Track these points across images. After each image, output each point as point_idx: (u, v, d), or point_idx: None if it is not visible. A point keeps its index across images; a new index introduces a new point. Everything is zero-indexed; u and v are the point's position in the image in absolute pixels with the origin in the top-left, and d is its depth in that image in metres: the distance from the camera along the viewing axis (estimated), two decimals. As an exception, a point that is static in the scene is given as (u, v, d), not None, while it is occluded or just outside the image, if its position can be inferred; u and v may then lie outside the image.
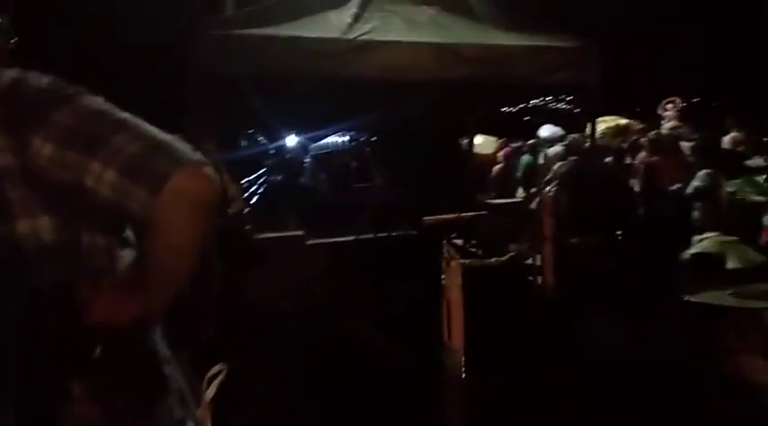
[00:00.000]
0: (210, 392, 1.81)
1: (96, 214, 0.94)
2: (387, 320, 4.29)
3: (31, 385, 0.87)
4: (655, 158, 5.78)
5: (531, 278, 3.21)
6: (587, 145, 5.76)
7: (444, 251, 2.09)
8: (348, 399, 3.02)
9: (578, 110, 7.27)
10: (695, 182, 4.63)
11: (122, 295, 0.95)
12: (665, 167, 5.48)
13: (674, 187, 5.12)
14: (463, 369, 2.08)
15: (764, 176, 4.94)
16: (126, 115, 0.96)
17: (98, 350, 0.90)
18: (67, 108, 0.91)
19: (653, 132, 6.58)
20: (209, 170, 0.95)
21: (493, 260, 2.75)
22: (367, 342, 3.85)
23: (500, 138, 9.08)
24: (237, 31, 4.10)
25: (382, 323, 4.34)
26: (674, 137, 6.18)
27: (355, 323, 4.59)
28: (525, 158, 7.62)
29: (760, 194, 4.69)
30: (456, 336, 2.04)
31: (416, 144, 6.96)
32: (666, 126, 7.57)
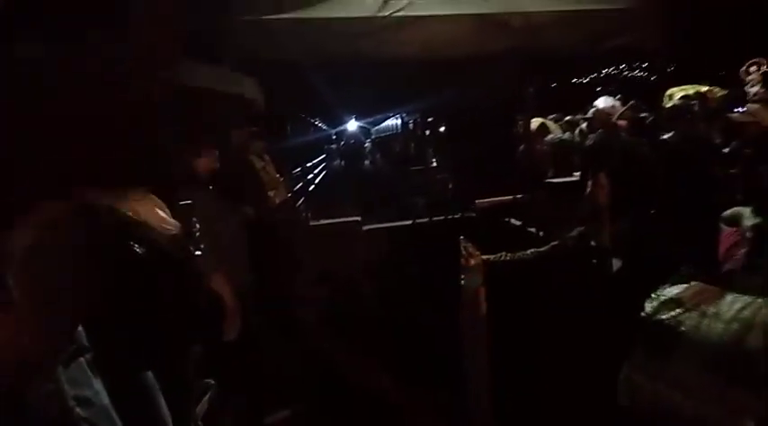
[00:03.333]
0: (201, 408, 1.70)
1: None
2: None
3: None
4: None
5: (582, 268, 2.92)
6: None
7: (462, 246, 1.85)
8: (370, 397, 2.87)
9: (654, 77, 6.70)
10: None
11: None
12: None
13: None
14: (489, 379, 1.86)
15: None
16: None
17: None
18: None
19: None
20: None
21: (530, 252, 2.47)
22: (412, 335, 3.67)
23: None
24: (268, 16, 3.96)
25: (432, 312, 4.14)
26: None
27: (406, 311, 4.43)
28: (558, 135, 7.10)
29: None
30: (479, 346, 1.81)
31: (471, 124, 6.65)
32: (751, 91, 6.86)
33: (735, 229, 2.52)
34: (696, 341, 1.76)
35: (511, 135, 6.37)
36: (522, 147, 5.90)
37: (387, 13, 4.01)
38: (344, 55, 4.26)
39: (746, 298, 1.78)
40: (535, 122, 6.18)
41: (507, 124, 6.41)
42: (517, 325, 2.20)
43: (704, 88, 7.91)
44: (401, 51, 4.13)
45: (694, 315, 1.85)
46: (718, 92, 7.75)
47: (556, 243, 2.66)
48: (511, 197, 5.38)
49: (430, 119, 8.89)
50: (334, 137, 16.07)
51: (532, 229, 5.21)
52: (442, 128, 7.91)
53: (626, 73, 17.58)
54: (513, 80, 6.26)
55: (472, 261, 1.80)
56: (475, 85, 6.15)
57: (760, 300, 1.76)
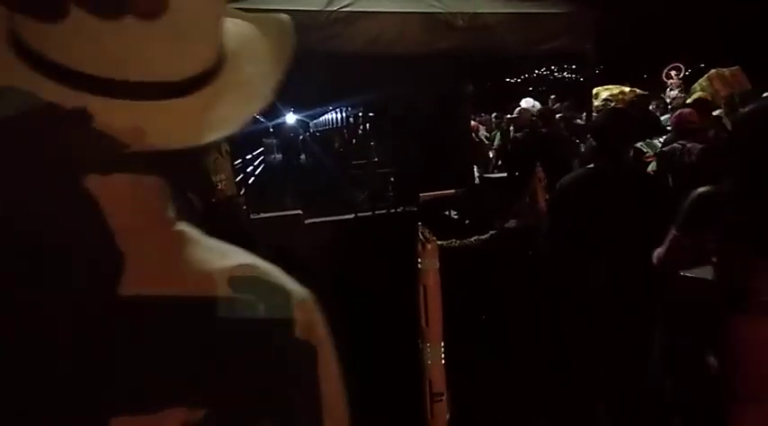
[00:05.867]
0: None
1: None
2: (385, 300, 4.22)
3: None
4: None
5: (520, 255, 3.12)
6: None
7: (419, 232, 1.97)
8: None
9: (582, 79, 7.08)
10: None
11: None
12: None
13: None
14: (443, 358, 1.98)
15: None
16: None
17: None
18: None
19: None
20: None
21: (473, 239, 2.64)
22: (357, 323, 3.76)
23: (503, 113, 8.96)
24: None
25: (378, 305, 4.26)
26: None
27: (349, 303, 4.51)
28: (495, 133, 7.53)
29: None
30: (434, 323, 1.93)
31: (412, 119, 6.80)
32: (670, 94, 7.40)
33: None
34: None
35: (451, 130, 6.57)
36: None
37: (335, 8, 4.08)
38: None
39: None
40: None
41: (448, 120, 6.61)
42: (466, 303, 2.37)
43: (627, 88, 8.49)
44: (348, 46, 4.20)
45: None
46: (638, 92, 8.36)
47: (495, 231, 2.85)
48: (452, 190, 5.58)
49: (371, 114, 9.01)
50: (271, 130, 15.91)
51: (467, 221, 5.46)
52: (384, 123, 8.05)
53: (556, 74, 18.31)
54: (454, 78, 6.46)
55: (429, 246, 1.92)
56: (417, 82, 6.29)
57: None
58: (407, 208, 6.16)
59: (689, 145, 4.15)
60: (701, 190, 2.07)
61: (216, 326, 0.63)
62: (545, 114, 5.69)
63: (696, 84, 7.16)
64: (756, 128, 1.96)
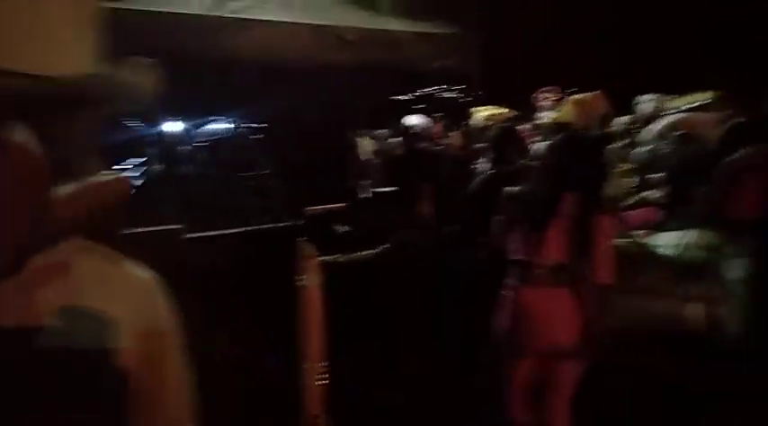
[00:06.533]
0: None
1: None
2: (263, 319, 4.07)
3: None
4: None
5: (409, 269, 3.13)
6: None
7: (300, 248, 1.89)
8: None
9: (469, 98, 7.36)
10: None
11: None
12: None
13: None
14: (324, 377, 1.90)
15: None
16: None
17: None
18: None
19: None
20: None
21: (363, 253, 2.63)
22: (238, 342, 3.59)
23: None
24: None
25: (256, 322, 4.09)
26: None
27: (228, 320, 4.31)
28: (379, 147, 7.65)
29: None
30: (313, 342, 1.85)
31: (302, 132, 6.71)
32: (540, 115, 7.87)
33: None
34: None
35: (341, 144, 6.56)
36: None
37: (221, 13, 3.93)
38: (170, 51, 4.06)
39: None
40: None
41: (338, 133, 6.60)
42: (351, 319, 2.36)
43: (503, 110, 8.95)
44: (236, 54, 4.06)
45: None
46: (512, 113, 8.86)
47: (386, 246, 2.85)
48: (340, 204, 5.54)
49: (259, 125, 8.78)
50: (152, 139, 15.04)
51: (356, 235, 5.45)
52: (272, 135, 7.87)
53: (442, 93, 18.94)
54: (344, 92, 6.45)
55: (310, 262, 1.85)
56: (307, 94, 6.23)
57: None
58: (294, 222, 6.03)
59: None
60: (508, 189, 2.78)
61: (32, 357, 0.63)
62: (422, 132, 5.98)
63: (558, 109, 7.70)
64: (551, 152, 2.72)
